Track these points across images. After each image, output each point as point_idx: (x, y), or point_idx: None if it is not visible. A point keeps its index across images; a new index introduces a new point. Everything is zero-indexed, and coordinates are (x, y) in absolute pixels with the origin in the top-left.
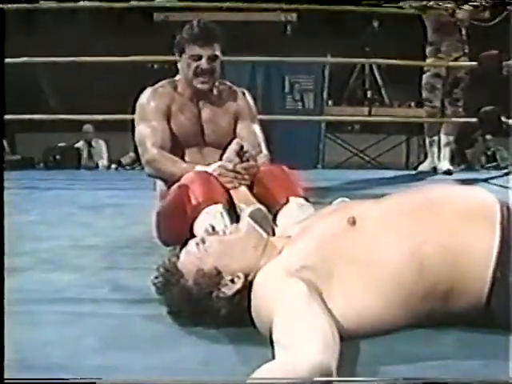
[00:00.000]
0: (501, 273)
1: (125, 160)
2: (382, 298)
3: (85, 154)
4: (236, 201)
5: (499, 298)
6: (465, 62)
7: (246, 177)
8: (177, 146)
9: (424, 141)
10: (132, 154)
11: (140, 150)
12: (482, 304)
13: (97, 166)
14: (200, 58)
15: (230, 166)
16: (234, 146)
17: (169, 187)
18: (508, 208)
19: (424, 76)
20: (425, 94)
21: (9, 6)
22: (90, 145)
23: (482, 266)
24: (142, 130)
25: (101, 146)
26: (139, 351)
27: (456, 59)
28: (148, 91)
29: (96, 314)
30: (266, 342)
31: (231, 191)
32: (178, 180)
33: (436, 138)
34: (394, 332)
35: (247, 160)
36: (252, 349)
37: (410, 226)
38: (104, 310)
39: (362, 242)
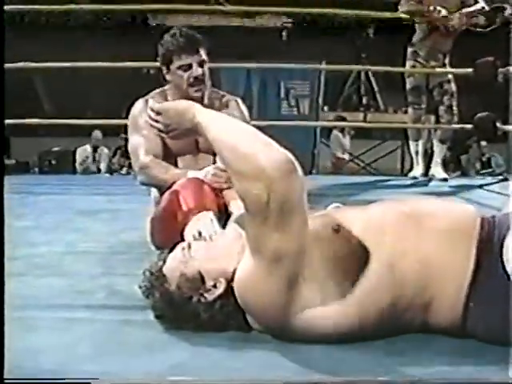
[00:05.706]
0: (475, 297)
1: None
2: (355, 306)
3: (90, 160)
4: (230, 200)
5: (475, 321)
6: (461, 70)
7: None
8: (170, 154)
9: (408, 145)
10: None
11: (133, 159)
12: (459, 324)
13: (99, 171)
14: (190, 66)
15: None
16: None
17: (162, 194)
18: (489, 223)
19: (407, 80)
20: (410, 98)
21: (9, 7)
22: (95, 151)
23: (457, 287)
24: (134, 139)
25: (105, 152)
26: (134, 357)
27: (432, 68)
28: (140, 102)
29: (91, 320)
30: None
31: (225, 192)
32: (171, 186)
33: (420, 142)
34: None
35: None
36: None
37: (391, 237)
38: (99, 315)
39: (344, 249)
